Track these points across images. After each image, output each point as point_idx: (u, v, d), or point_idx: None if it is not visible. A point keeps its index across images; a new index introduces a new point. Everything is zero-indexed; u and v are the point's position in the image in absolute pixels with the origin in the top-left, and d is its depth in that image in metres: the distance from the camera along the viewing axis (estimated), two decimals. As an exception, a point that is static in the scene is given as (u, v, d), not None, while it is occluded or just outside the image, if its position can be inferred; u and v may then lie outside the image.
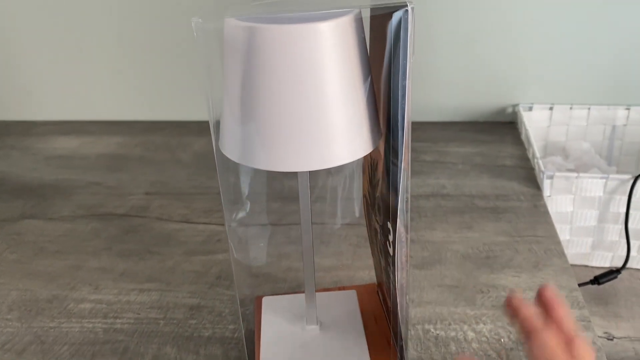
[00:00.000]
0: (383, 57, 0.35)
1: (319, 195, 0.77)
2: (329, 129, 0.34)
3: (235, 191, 0.50)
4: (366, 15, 0.37)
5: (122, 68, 0.98)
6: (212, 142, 0.37)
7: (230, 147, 0.36)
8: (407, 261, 0.40)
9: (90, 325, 0.57)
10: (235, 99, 0.34)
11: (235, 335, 0.54)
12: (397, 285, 0.40)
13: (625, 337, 0.69)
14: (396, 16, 0.32)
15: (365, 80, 0.35)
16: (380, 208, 0.42)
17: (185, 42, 0.92)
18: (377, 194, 0.43)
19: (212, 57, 0.35)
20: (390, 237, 0.39)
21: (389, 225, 0.39)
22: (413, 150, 0.87)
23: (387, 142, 0.38)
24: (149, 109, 1.01)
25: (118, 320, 0.57)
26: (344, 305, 0.49)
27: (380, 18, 0.35)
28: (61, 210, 0.77)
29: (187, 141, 0.94)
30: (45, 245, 0.70)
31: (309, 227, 0.41)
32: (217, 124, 0.37)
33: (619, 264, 0.78)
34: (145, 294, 0.61)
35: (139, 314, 0.58)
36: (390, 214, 0.38)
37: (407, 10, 0.32)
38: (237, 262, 0.47)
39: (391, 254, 0.39)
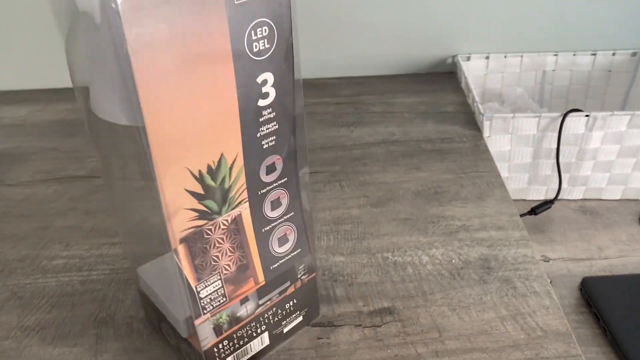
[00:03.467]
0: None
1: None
2: None
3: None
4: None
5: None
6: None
7: None
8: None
9: (67, 279, 0.59)
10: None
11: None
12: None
13: (559, 258, 0.77)
14: None
15: None
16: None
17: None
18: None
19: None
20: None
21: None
22: (363, 102, 0.91)
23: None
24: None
25: (93, 272, 0.60)
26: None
27: None
28: (19, 176, 0.77)
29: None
30: (8, 210, 0.70)
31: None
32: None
33: (552, 196, 0.86)
34: (117, 247, 0.63)
35: (113, 265, 0.60)
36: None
37: None
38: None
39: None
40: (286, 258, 0.46)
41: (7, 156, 0.82)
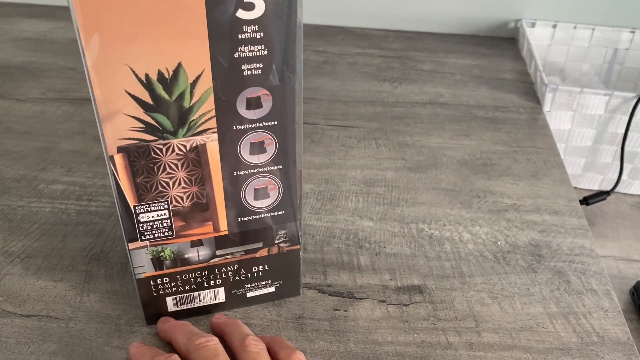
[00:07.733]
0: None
1: (310, 97, 0.73)
2: None
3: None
4: None
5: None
6: None
7: None
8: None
9: (63, 206, 0.53)
10: None
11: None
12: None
13: (610, 256, 0.69)
14: None
15: None
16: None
17: None
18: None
19: None
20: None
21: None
22: (411, 59, 0.82)
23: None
24: None
25: (93, 203, 0.54)
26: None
27: None
28: (30, 92, 0.71)
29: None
30: (12, 125, 0.64)
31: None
32: None
33: (607, 187, 0.77)
34: (122, 179, 0.57)
35: (116, 198, 0.54)
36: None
37: None
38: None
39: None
40: (262, 215, 0.39)
41: (20, 70, 0.76)
